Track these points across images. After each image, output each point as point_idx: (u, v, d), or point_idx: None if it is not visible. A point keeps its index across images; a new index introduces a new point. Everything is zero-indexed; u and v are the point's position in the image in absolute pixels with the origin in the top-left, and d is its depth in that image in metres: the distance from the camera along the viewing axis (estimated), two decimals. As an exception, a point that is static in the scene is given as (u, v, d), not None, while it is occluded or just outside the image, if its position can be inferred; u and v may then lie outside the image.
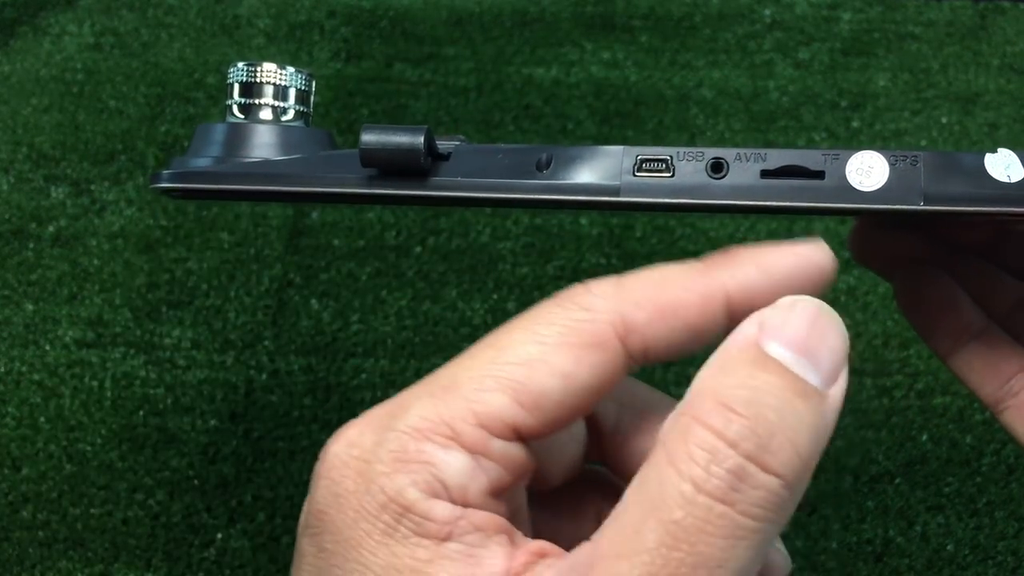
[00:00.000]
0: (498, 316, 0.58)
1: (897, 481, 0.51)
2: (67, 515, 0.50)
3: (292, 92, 0.28)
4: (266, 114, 0.28)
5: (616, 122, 0.67)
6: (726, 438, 0.17)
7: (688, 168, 0.24)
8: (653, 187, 0.24)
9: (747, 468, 0.16)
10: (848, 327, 0.59)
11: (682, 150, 0.24)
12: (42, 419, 0.54)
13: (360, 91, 0.69)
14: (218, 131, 0.27)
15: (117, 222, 0.62)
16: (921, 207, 0.23)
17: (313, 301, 0.58)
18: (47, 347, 0.57)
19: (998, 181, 0.22)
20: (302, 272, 0.59)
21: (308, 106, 0.28)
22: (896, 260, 0.30)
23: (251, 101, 0.28)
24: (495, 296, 0.59)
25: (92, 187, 0.64)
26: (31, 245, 0.61)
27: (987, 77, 0.70)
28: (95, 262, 0.60)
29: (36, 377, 0.55)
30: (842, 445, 0.53)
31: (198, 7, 0.75)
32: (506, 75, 0.70)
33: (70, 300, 0.58)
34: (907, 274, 0.30)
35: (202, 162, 0.27)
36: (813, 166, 0.23)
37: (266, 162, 0.26)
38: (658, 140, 0.66)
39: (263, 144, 0.27)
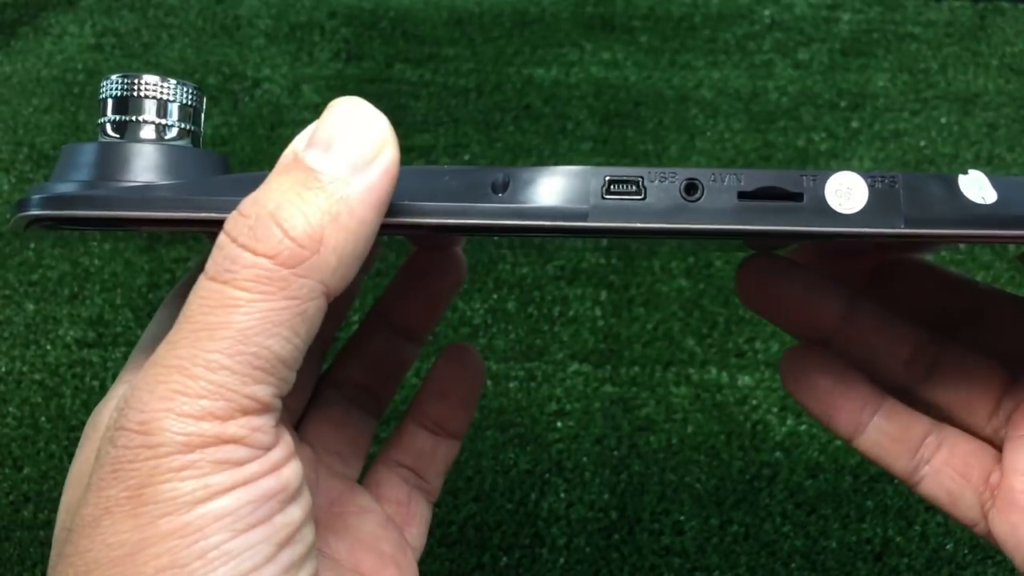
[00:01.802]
0: (498, 316, 0.58)
1: (896, 481, 0.51)
2: (68, 515, 0.50)
3: (175, 108, 0.24)
4: (147, 132, 0.24)
5: (616, 122, 0.68)
6: (230, 234, 0.20)
7: (660, 190, 0.22)
8: (624, 210, 0.22)
9: (237, 253, 0.20)
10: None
11: (654, 170, 0.22)
12: (43, 419, 0.54)
13: (360, 92, 0.69)
14: (88, 152, 0.24)
15: (118, 222, 0.62)
16: (902, 230, 0.22)
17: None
18: (48, 347, 0.57)
19: (974, 203, 0.22)
20: (303, 272, 0.59)
21: (197, 125, 0.25)
22: (782, 303, 0.29)
23: (128, 118, 0.24)
24: (495, 296, 0.59)
25: (93, 187, 0.64)
26: (32, 245, 0.61)
27: (986, 77, 0.70)
28: (96, 262, 0.60)
29: (37, 377, 0.55)
30: (841, 444, 0.53)
31: (199, 8, 0.75)
32: (506, 75, 0.70)
33: (71, 300, 0.59)
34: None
35: (69, 187, 0.23)
36: (791, 187, 0.22)
37: (160, 185, 0.23)
38: (658, 140, 0.66)
39: (143, 167, 0.23)
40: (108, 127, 0.24)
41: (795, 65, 0.71)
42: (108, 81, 0.24)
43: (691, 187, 0.22)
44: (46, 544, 0.50)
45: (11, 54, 0.72)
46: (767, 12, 0.74)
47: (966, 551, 0.49)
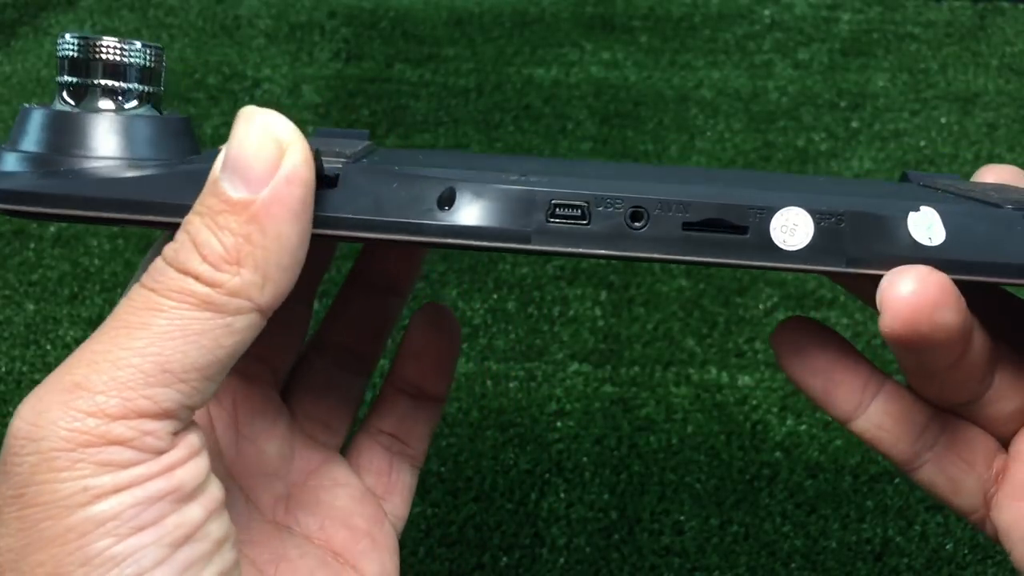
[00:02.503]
0: (498, 316, 0.58)
1: (896, 481, 0.52)
2: (68, 514, 0.51)
3: (136, 71, 0.23)
4: (105, 102, 0.23)
5: (616, 122, 0.68)
6: (163, 254, 0.21)
7: (605, 216, 0.22)
8: (567, 235, 0.22)
9: (164, 268, 0.21)
10: (847, 327, 0.59)
11: (601, 194, 0.22)
12: (43, 419, 0.54)
13: (361, 91, 0.69)
14: (43, 120, 0.22)
15: (118, 222, 0.62)
16: (844, 269, 0.22)
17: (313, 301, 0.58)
18: (48, 347, 0.57)
19: (920, 245, 0.22)
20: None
21: (159, 85, 0.23)
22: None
23: (84, 81, 0.22)
24: (495, 296, 0.59)
25: (93, 187, 0.64)
26: (32, 245, 0.61)
27: (986, 77, 0.70)
28: (96, 262, 0.60)
29: (37, 377, 0.55)
30: (841, 444, 0.53)
31: (199, 8, 0.75)
32: (506, 75, 0.70)
33: (71, 300, 0.59)
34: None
35: (19, 161, 0.22)
36: (737, 221, 0.22)
37: (114, 180, 0.21)
38: (658, 140, 0.66)
39: (101, 140, 0.22)
40: (64, 92, 0.23)
41: (795, 65, 0.71)
42: (63, 40, 0.23)
43: (636, 215, 0.22)
44: (46, 544, 0.50)
45: (11, 54, 0.72)
46: (767, 12, 0.74)
47: (966, 551, 0.49)
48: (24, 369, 0.56)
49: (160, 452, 0.20)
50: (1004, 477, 0.26)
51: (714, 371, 0.55)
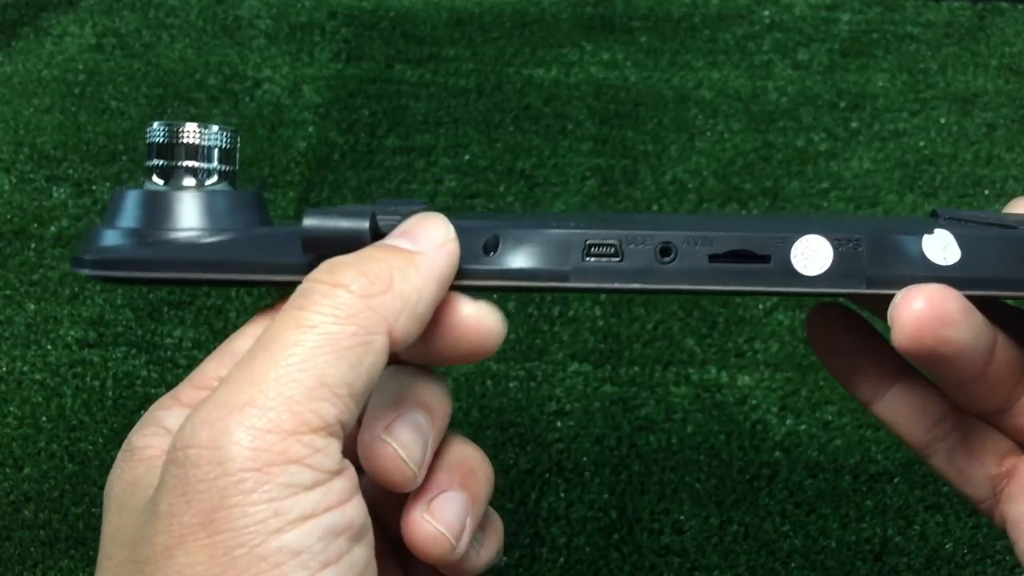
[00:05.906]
0: (498, 316, 0.58)
1: (896, 480, 0.52)
2: (69, 514, 0.51)
3: (216, 153, 0.26)
4: (188, 180, 0.26)
5: (616, 123, 0.68)
6: (310, 277, 0.23)
7: (636, 252, 0.24)
8: (602, 271, 0.24)
9: (313, 287, 0.22)
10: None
11: (631, 233, 0.24)
12: (44, 419, 0.54)
13: (361, 92, 0.69)
14: (136, 199, 0.25)
15: (118, 222, 0.62)
16: (864, 291, 0.23)
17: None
18: (49, 347, 0.57)
19: (936, 264, 0.23)
20: (303, 272, 0.59)
21: (234, 163, 0.27)
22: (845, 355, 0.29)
23: (171, 164, 0.26)
24: (495, 296, 0.59)
25: (94, 187, 0.64)
26: (33, 245, 0.61)
27: (985, 78, 0.70)
28: (97, 262, 0.60)
29: (38, 377, 0.55)
30: (841, 444, 0.53)
31: (199, 8, 0.75)
32: (506, 76, 0.70)
33: (72, 300, 0.59)
34: (820, 318, 0.29)
35: (117, 236, 0.25)
36: (759, 250, 0.23)
37: (195, 245, 0.24)
38: (658, 141, 0.67)
39: (186, 214, 0.25)
40: (153, 174, 0.26)
41: (795, 65, 0.71)
42: (151, 129, 0.26)
43: (665, 250, 0.24)
44: (47, 544, 0.50)
45: (12, 54, 0.72)
46: (766, 13, 0.74)
47: (965, 550, 0.49)
48: (25, 369, 0.56)
49: (332, 473, 0.21)
50: (1016, 472, 0.27)
51: (714, 371, 0.55)
